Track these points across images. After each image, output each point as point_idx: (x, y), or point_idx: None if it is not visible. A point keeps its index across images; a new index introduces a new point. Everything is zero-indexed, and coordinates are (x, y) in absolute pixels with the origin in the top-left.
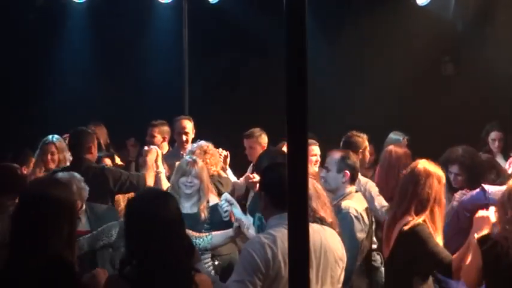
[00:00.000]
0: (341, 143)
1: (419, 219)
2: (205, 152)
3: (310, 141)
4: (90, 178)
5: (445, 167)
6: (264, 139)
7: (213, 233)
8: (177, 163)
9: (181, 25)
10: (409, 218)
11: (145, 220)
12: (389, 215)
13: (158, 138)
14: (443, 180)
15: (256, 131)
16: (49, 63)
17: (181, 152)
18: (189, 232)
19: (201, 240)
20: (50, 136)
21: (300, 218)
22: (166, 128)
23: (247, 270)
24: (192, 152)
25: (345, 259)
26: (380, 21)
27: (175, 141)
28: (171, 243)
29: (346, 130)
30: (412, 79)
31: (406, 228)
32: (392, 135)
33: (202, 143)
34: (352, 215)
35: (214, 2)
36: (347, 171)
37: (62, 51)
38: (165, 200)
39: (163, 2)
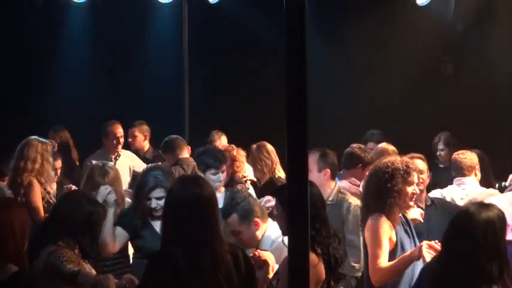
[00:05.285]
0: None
1: None
2: (233, 160)
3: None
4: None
5: None
6: (224, 141)
7: None
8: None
9: (181, 25)
10: None
11: (187, 202)
12: None
13: (140, 137)
14: None
15: (216, 134)
16: (49, 63)
17: (112, 156)
18: None
19: None
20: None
21: (300, 224)
22: (146, 127)
23: None
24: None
25: None
26: (380, 21)
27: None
28: (210, 222)
29: (345, 130)
30: (411, 79)
31: None
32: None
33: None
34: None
35: (214, 2)
36: (328, 169)
37: (62, 51)
38: (202, 182)
39: (163, 2)
